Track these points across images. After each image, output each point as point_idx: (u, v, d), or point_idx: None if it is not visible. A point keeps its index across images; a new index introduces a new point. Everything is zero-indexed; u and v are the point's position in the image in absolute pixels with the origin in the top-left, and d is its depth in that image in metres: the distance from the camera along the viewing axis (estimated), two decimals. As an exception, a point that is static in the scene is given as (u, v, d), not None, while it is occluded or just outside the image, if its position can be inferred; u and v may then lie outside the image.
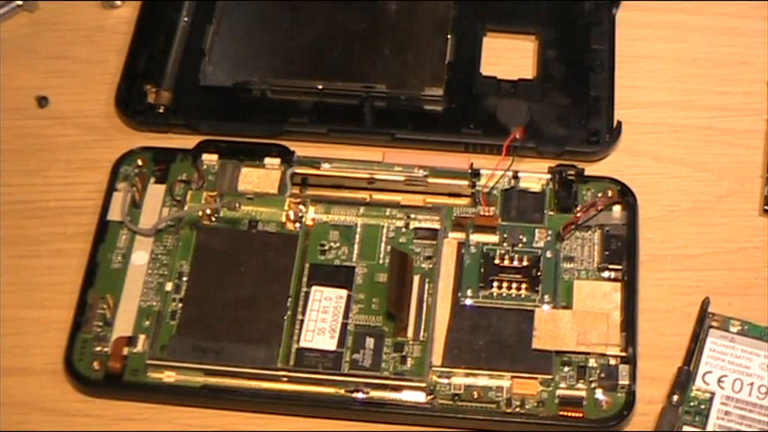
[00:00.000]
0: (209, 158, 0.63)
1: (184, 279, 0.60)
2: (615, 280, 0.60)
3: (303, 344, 0.58)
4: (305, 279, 0.60)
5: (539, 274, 0.60)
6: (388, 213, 0.62)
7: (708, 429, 0.56)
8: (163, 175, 0.63)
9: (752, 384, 0.57)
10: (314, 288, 0.59)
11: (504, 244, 0.61)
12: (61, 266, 0.61)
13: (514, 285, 0.59)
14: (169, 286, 0.59)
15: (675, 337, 0.59)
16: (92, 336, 0.59)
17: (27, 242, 0.62)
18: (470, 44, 0.67)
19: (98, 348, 0.58)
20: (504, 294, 0.59)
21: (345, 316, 0.59)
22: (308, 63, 0.67)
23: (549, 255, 0.60)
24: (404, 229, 0.61)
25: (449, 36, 0.67)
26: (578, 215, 0.61)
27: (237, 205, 0.61)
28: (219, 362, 0.57)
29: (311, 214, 0.62)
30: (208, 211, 0.61)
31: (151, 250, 0.61)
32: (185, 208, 0.62)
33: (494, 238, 0.61)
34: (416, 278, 0.60)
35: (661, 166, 0.64)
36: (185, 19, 0.69)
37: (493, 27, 0.68)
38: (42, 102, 0.67)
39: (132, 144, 0.64)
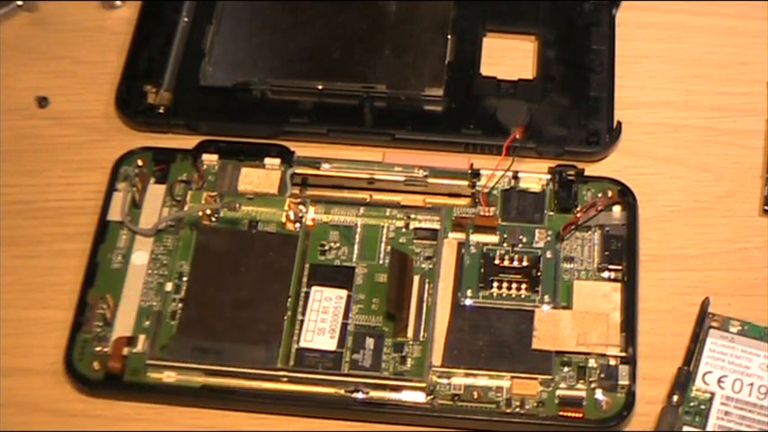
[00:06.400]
0: (210, 158, 0.63)
1: (184, 279, 0.60)
2: (615, 280, 0.60)
3: (303, 344, 0.58)
4: (305, 279, 0.60)
5: (539, 274, 0.60)
6: (388, 213, 0.62)
7: (708, 429, 0.56)
8: (163, 175, 0.63)
9: (752, 384, 0.57)
10: (314, 288, 0.59)
11: (504, 244, 0.61)
12: (61, 266, 0.61)
13: (514, 285, 0.59)
14: (169, 286, 0.59)
15: (675, 337, 0.59)
16: (92, 336, 0.59)
17: (27, 242, 0.62)
18: (470, 44, 0.67)
19: (98, 348, 0.58)
20: (504, 294, 0.59)
21: (345, 316, 0.59)
22: (307, 63, 0.67)
23: (549, 255, 0.60)
24: (404, 230, 0.61)
25: (449, 36, 0.67)
26: (578, 215, 0.61)
27: (237, 205, 0.61)
28: (219, 362, 0.57)
29: (311, 214, 0.62)
30: (208, 212, 0.61)
31: (151, 250, 0.61)
32: (185, 208, 0.62)
33: (494, 239, 0.61)
34: (416, 278, 0.60)
35: (661, 166, 0.64)
36: (185, 19, 0.69)
37: (493, 27, 0.68)
38: (42, 102, 0.67)
39: (132, 144, 0.64)
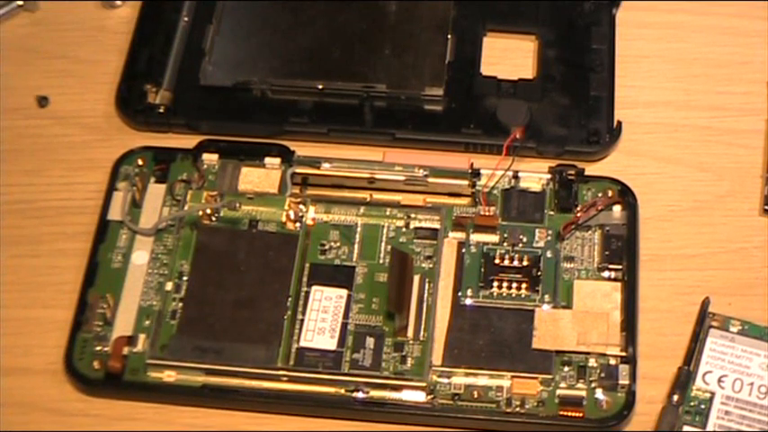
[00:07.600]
0: (210, 158, 0.63)
1: (185, 279, 0.60)
2: (615, 280, 0.60)
3: (303, 343, 0.58)
4: (305, 279, 0.60)
5: (539, 273, 0.60)
6: (388, 213, 0.62)
7: (708, 429, 0.56)
8: (163, 174, 0.63)
9: (752, 384, 0.57)
10: (314, 288, 0.59)
11: (505, 244, 0.61)
12: (61, 266, 0.61)
13: (514, 285, 0.59)
14: (169, 286, 0.59)
15: (675, 337, 0.59)
16: (92, 335, 0.59)
17: (27, 242, 0.62)
18: (470, 44, 0.67)
19: (98, 348, 0.58)
20: (505, 294, 0.59)
21: (345, 316, 0.59)
22: (307, 63, 0.67)
23: (549, 254, 0.60)
24: (404, 229, 0.61)
25: (449, 36, 0.67)
26: (578, 215, 0.61)
27: (238, 205, 0.61)
28: (220, 361, 0.57)
29: (311, 214, 0.62)
30: (208, 211, 0.61)
31: (151, 250, 0.61)
32: (185, 208, 0.62)
33: (494, 238, 0.61)
34: (416, 278, 0.60)
35: (661, 165, 0.64)
36: (185, 19, 0.69)
37: (493, 27, 0.68)
38: (42, 102, 0.67)
39: (132, 144, 0.64)
